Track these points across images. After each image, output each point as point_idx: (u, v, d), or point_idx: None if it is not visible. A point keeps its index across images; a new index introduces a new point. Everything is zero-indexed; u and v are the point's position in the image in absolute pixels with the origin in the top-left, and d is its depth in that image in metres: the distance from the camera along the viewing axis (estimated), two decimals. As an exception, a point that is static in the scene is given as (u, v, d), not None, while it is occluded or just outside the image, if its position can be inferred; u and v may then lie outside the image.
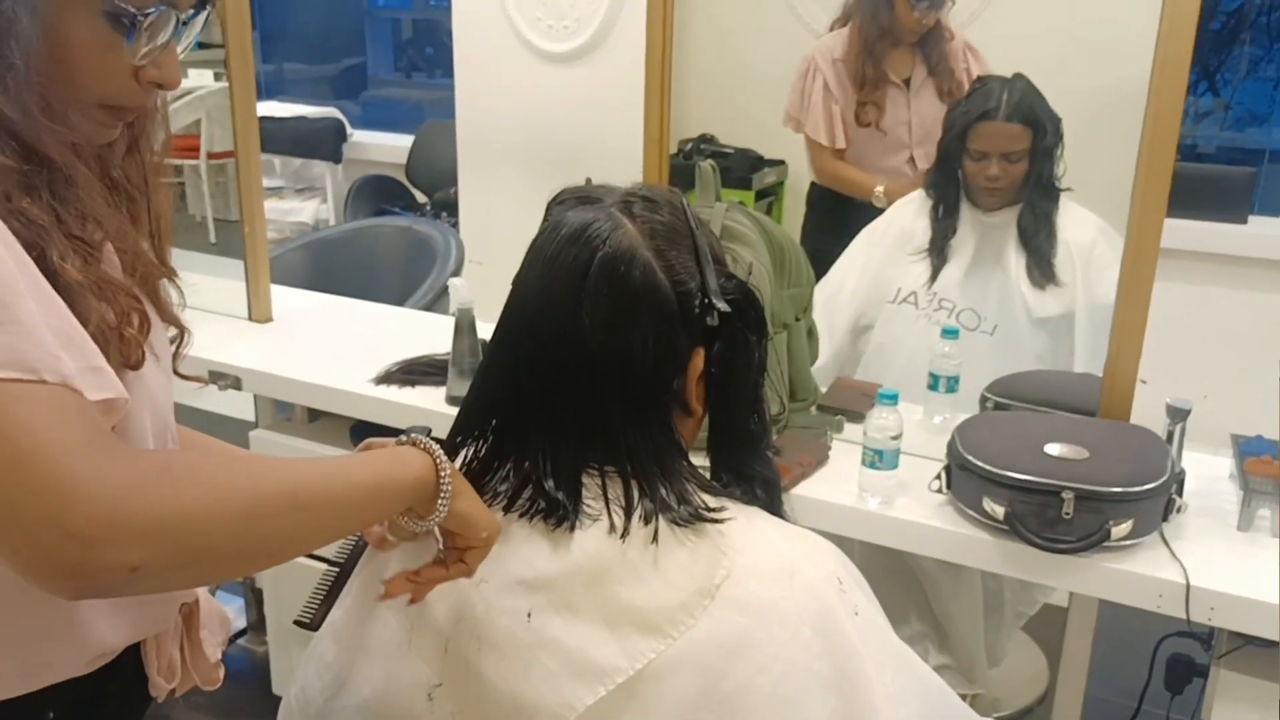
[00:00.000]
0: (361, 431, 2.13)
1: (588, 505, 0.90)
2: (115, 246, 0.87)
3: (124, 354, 0.86)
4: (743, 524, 0.92)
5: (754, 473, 1.00)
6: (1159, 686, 1.88)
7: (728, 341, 0.94)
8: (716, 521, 0.91)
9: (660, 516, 0.89)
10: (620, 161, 2.13)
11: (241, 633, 2.66)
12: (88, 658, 0.92)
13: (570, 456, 0.91)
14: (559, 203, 0.96)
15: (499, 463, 0.94)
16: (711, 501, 0.93)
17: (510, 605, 0.90)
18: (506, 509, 0.93)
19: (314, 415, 2.24)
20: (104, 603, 0.91)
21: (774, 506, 1.01)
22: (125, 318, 0.85)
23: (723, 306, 0.92)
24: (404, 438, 0.88)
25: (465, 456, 0.96)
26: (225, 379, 2.09)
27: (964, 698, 2.15)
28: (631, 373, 0.90)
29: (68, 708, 0.92)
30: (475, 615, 0.91)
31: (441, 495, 0.85)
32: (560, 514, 0.90)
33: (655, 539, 0.89)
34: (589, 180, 1.00)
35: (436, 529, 0.89)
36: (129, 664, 0.99)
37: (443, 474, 0.85)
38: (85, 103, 0.83)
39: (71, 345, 0.74)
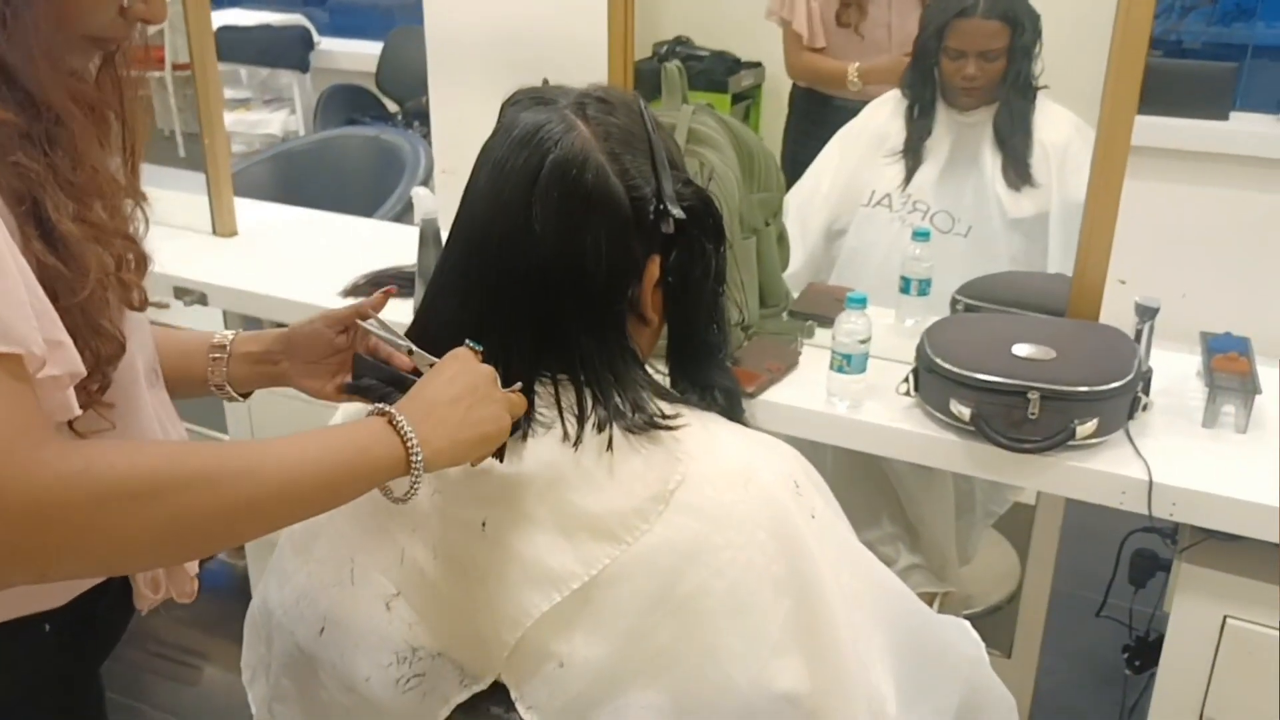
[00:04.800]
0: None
1: (540, 414, 0.90)
2: (102, 189, 0.86)
3: (124, 297, 0.86)
4: (698, 430, 0.92)
5: (712, 381, 0.99)
6: (1123, 581, 1.92)
7: (684, 250, 0.92)
8: (671, 429, 0.90)
9: (614, 424, 0.89)
10: (592, 66, 2.08)
11: (221, 547, 2.68)
12: (79, 588, 0.95)
13: (523, 364, 0.90)
14: (512, 104, 0.94)
15: (451, 372, 0.93)
16: (667, 409, 0.92)
17: (465, 515, 0.90)
18: (459, 417, 0.92)
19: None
20: None
21: (733, 413, 1.00)
22: (123, 261, 0.85)
23: (678, 213, 0.90)
24: (375, 409, 0.84)
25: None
26: (190, 295, 2.07)
27: (935, 596, 2.21)
28: (584, 280, 0.89)
29: (63, 621, 0.94)
30: (430, 524, 0.91)
31: (413, 477, 0.83)
32: (513, 422, 0.89)
33: (609, 446, 0.88)
34: (545, 81, 0.97)
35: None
36: (116, 579, 1.00)
37: (414, 459, 0.82)
38: (70, 37, 0.81)
39: (42, 317, 0.73)
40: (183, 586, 1.06)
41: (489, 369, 0.88)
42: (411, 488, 0.83)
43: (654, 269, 0.92)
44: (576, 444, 0.88)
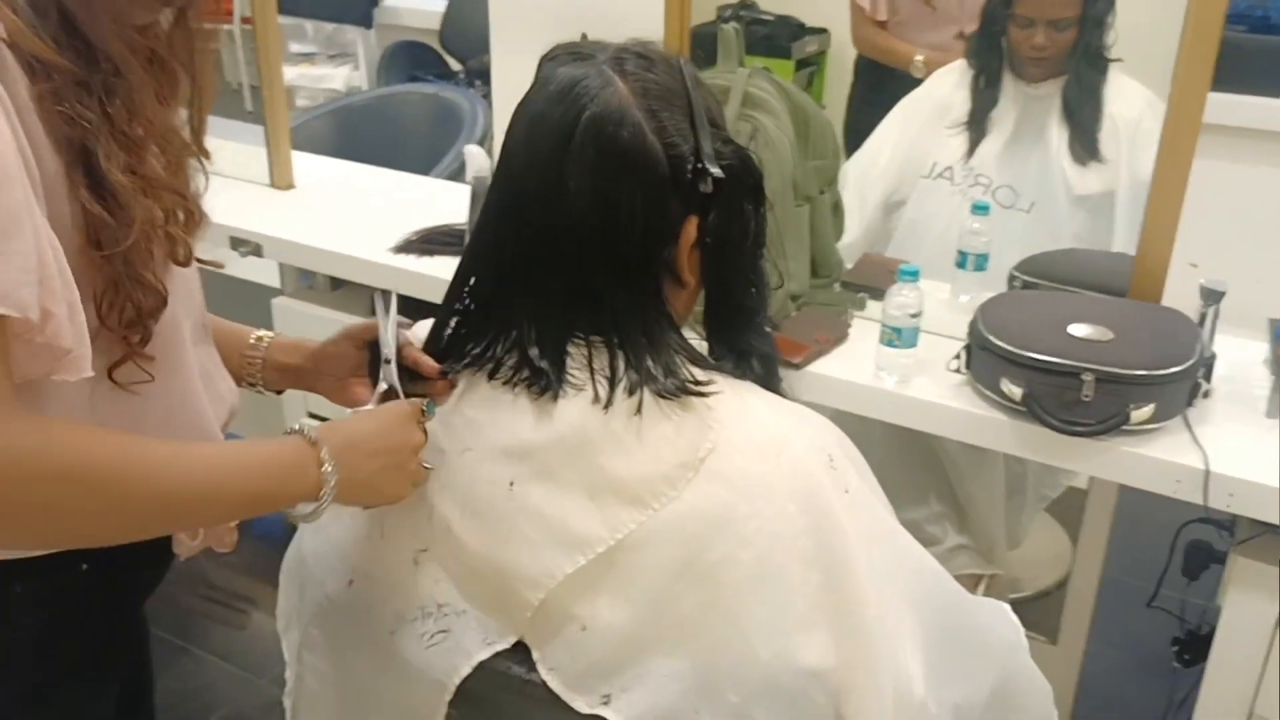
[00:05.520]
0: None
1: (572, 375, 0.89)
2: (158, 142, 0.86)
3: (170, 251, 0.87)
4: (731, 398, 0.90)
5: (749, 347, 0.97)
6: (1176, 572, 1.87)
7: (723, 210, 0.90)
8: (703, 395, 0.89)
9: (645, 388, 0.88)
10: (654, 29, 2.05)
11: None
12: None
13: (555, 325, 0.89)
14: (550, 59, 0.92)
15: (484, 329, 0.93)
16: (701, 375, 0.90)
17: (493, 473, 0.89)
18: (490, 376, 0.91)
19: (336, 283, 2.23)
20: None
21: (770, 381, 0.98)
22: (171, 215, 0.86)
23: (716, 172, 0.88)
24: (293, 428, 0.88)
25: (453, 324, 0.95)
26: (246, 245, 2.08)
27: (981, 579, 2.17)
28: (619, 240, 0.87)
29: (99, 562, 0.95)
30: (458, 482, 0.91)
31: (322, 499, 0.86)
32: (544, 383, 0.88)
33: (639, 410, 0.87)
34: (584, 36, 0.95)
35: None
36: None
37: (324, 490, 0.86)
38: None
39: (45, 283, 0.74)
40: (221, 536, 1.07)
41: (419, 439, 0.91)
42: (315, 512, 0.87)
43: (691, 229, 0.90)
44: (607, 407, 0.87)
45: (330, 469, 0.85)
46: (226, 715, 2.14)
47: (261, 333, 1.11)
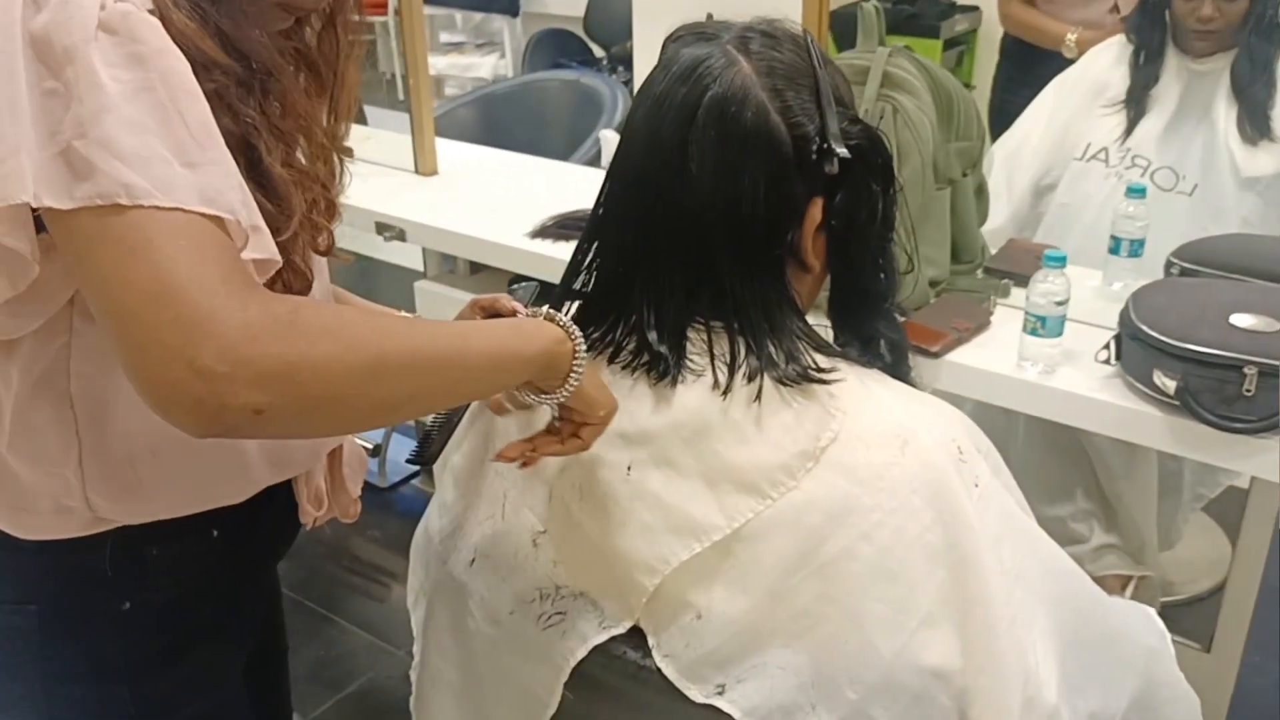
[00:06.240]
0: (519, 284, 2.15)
1: (692, 360, 0.87)
2: (306, 136, 0.90)
3: (313, 238, 0.90)
4: (854, 386, 0.87)
5: (876, 333, 0.94)
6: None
7: (849, 191, 0.87)
8: (826, 383, 0.86)
9: (765, 374, 0.86)
10: (794, 12, 2.01)
11: (414, 474, 2.80)
12: (249, 491, 0.99)
13: (676, 309, 0.88)
14: (674, 39, 0.91)
15: (604, 314, 0.92)
16: (824, 362, 0.88)
17: (611, 458, 0.89)
18: (610, 360, 0.91)
19: (476, 268, 2.28)
20: (266, 445, 0.97)
21: (898, 370, 0.95)
22: (315, 205, 0.89)
23: (842, 152, 0.85)
24: (537, 310, 0.85)
25: (571, 307, 0.95)
26: (390, 230, 2.14)
27: (1129, 580, 2.07)
28: (741, 223, 0.86)
29: (230, 528, 0.99)
30: (577, 466, 0.91)
31: (573, 372, 0.83)
32: (663, 368, 0.87)
33: (759, 397, 0.85)
34: (710, 16, 0.93)
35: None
36: (282, 493, 1.05)
37: (578, 353, 0.82)
38: (264, 4, 0.85)
39: (248, 199, 0.76)
40: (346, 507, 1.10)
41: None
42: (566, 387, 0.82)
43: (816, 212, 0.88)
44: (726, 393, 0.86)
45: (579, 334, 0.83)
46: (365, 683, 2.21)
47: (405, 315, 1.14)
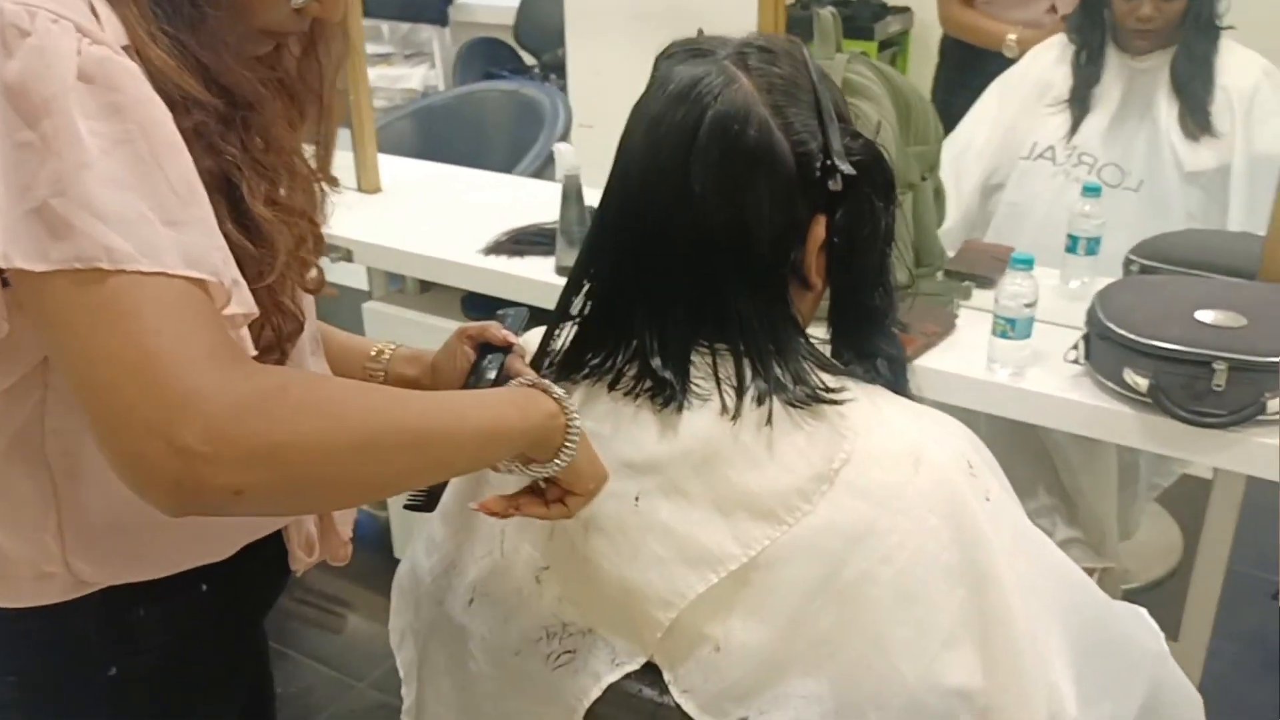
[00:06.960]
0: (472, 303, 2.11)
1: (697, 385, 0.85)
2: (289, 169, 0.86)
3: (302, 276, 0.87)
4: (864, 405, 0.86)
5: (877, 350, 0.93)
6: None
7: (852, 208, 0.86)
8: (836, 403, 0.84)
9: (774, 397, 0.84)
10: (739, 15, 2.00)
11: (365, 499, 2.74)
12: (239, 543, 0.95)
13: (679, 333, 0.86)
14: (667, 57, 0.88)
15: (603, 339, 0.89)
16: (831, 381, 0.86)
17: (617, 488, 0.86)
18: (610, 387, 0.88)
19: (425, 286, 2.23)
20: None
21: (899, 385, 0.94)
22: (302, 241, 0.85)
23: (847, 169, 0.83)
24: (526, 381, 0.83)
25: (567, 333, 0.92)
26: (337, 251, 2.08)
27: (1093, 572, 2.09)
28: (746, 243, 0.83)
29: (218, 581, 0.95)
30: (581, 499, 0.88)
31: (565, 446, 0.80)
32: (668, 394, 0.85)
33: (769, 421, 0.83)
34: (700, 31, 0.91)
35: None
36: (272, 540, 1.01)
37: (571, 426, 0.80)
38: (245, 30, 0.81)
39: (227, 255, 0.73)
40: (336, 550, 1.06)
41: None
42: (558, 460, 0.80)
43: (819, 230, 0.86)
44: (735, 418, 0.83)
45: (573, 408, 0.81)
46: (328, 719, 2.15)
47: (382, 345, 1.10)
